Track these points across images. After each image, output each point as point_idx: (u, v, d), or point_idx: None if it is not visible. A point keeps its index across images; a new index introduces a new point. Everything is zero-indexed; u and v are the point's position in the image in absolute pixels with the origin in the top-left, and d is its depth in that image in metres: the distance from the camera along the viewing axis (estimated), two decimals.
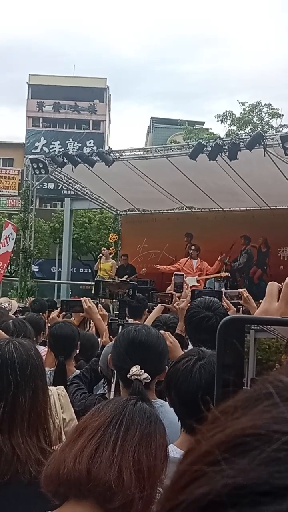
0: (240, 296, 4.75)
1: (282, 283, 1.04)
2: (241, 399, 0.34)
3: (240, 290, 5.01)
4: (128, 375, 2.26)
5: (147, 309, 5.78)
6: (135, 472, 1.18)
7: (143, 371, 2.26)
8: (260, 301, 1.08)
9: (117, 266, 14.87)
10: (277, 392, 0.32)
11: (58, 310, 4.74)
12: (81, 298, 4.44)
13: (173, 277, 5.43)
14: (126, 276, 13.57)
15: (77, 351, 3.96)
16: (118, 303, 3.99)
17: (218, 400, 0.60)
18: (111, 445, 1.21)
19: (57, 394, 2.70)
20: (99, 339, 4.70)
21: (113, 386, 2.99)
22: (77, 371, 3.90)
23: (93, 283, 4.73)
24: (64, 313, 4.65)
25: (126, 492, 1.15)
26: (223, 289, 5.97)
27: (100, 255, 14.97)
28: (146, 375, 2.26)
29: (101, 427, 1.24)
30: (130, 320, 4.70)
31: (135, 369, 2.26)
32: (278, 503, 0.27)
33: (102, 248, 15.88)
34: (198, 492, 0.30)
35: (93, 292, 4.43)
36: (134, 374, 2.25)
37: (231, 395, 0.35)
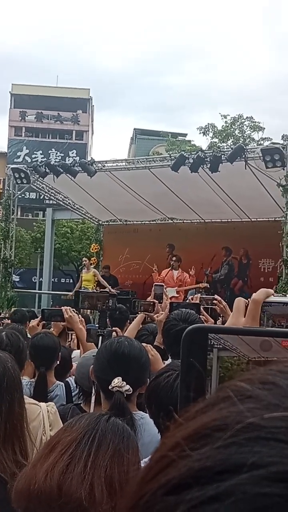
0: (214, 301, 4.73)
1: (249, 299, 1.06)
2: (203, 403, 0.38)
3: (216, 296, 4.99)
4: (109, 387, 2.25)
5: (128, 320, 5.78)
6: (107, 488, 1.17)
7: (125, 382, 2.25)
8: None
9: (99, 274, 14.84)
10: (235, 395, 0.36)
11: (38, 319, 4.68)
12: (62, 308, 4.42)
13: (153, 287, 5.44)
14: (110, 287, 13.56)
15: (58, 362, 3.93)
16: (98, 313, 3.98)
17: (182, 406, 0.62)
18: (83, 461, 1.19)
19: (46, 411, 2.65)
20: (78, 351, 4.68)
21: (93, 397, 2.98)
22: (58, 382, 3.88)
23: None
24: (44, 322, 4.60)
25: (98, 509, 1.14)
26: (198, 295, 5.96)
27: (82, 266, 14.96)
28: (128, 387, 2.25)
29: (73, 443, 1.22)
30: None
31: (117, 381, 2.25)
32: (232, 478, 0.32)
33: (84, 259, 15.84)
34: (167, 477, 0.34)
35: (73, 303, 4.40)
36: (116, 386, 2.24)
37: (194, 401, 0.39)
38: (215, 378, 0.70)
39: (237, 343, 0.69)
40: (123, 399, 2.24)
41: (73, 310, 4.35)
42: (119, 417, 1.38)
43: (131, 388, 2.27)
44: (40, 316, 4.67)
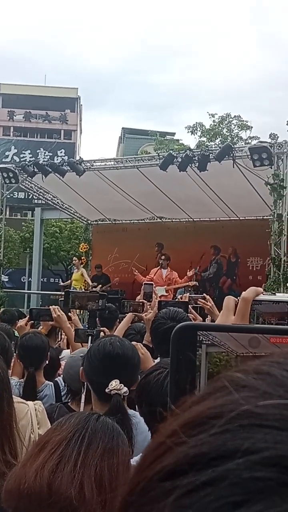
0: (200, 301, 4.73)
1: (239, 298, 1.06)
2: (199, 394, 0.39)
3: (204, 295, 5.00)
4: (107, 390, 2.23)
5: (118, 320, 5.78)
6: (97, 487, 1.18)
7: (122, 385, 2.24)
8: None
9: (88, 276, 14.83)
10: (230, 385, 0.37)
11: (26, 318, 4.65)
12: (50, 307, 4.40)
13: (142, 286, 5.44)
14: (100, 286, 13.55)
15: (47, 361, 3.93)
16: (88, 313, 3.98)
17: (172, 403, 0.62)
18: (73, 460, 1.19)
19: (34, 409, 2.64)
20: (68, 351, 4.67)
21: (83, 397, 2.97)
22: (47, 382, 3.87)
23: (63, 293, 4.69)
24: (32, 321, 4.58)
25: (88, 508, 1.14)
26: (187, 294, 5.98)
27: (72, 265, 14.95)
28: (125, 389, 2.24)
29: (63, 442, 1.22)
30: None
31: (114, 384, 2.23)
32: (225, 463, 0.33)
33: (74, 258, 15.81)
34: (163, 464, 0.35)
35: (63, 303, 4.38)
36: (114, 389, 2.23)
37: (184, 399, 0.40)
38: (204, 373, 0.71)
39: (226, 339, 0.69)
40: (121, 401, 2.23)
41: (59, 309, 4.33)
42: (118, 419, 1.38)
43: (128, 390, 2.26)
44: (28, 316, 4.64)
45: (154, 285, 5.64)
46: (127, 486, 0.38)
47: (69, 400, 3.28)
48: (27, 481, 1.16)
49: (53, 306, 4.38)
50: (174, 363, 0.67)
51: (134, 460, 1.68)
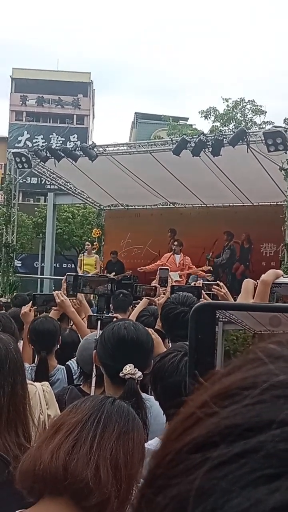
0: (214, 288, 4.70)
1: (258, 280, 1.05)
2: (229, 366, 0.38)
3: (219, 282, 4.98)
4: (121, 374, 2.23)
5: (132, 305, 5.78)
6: (112, 470, 1.18)
7: (137, 369, 2.24)
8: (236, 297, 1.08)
9: (100, 262, 14.85)
10: (264, 356, 0.36)
11: (29, 304, 4.63)
12: (54, 292, 4.39)
13: (158, 271, 5.42)
14: (113, 273, 13.58)
15: (58, 345, 3.94)
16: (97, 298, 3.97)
17: (191, 383, 0.61)
18: (88, 442, 1.19)
19: (42, 390, 2.66)
20: None
21: (93, 380, 2.98)
22: (59, 366, 3.88)
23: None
24: (35, 307, 4.55)
25: (103, 490, 1.15)
26: (200, 280, 5.96)
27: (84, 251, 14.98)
28: (139, 373, 2.24)
29: (78, 424, 1.23)
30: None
31: (129, 368, 2.23)
32: (260, 435, 0.31)
33: (86, 243, 15.84)
34: (192, 436, 0.34)
35: (72, 287, 4.35)
36: (129, 373, 2.23)
37: (203, 378, 0.38)
38: (221, 351, 0.70)
39: (243, 317, 0.68)
40: (136, 386, 2.23)
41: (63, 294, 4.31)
42: (133, 403, 1.38)
43: (142, 374, 2.26)
44: (32, 302, 4.61)
45: (169, 270, 5.61)
46: (154, 459, 0.36)
47: (81, 383, 3.29)
48: (43, 462, 1.16)
49: (56, 292, 4.37)
50: (193, 342, 0.66)
51: (149, 444, 1.68)
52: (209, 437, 0.33)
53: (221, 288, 4.58)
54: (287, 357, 0.35)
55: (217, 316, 0.68)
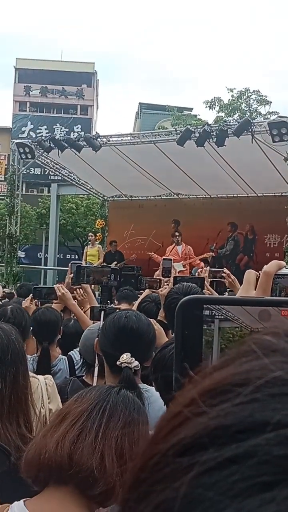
0: (223, 274, 4.72)
1: (260, 271, 1.03)
2: (222, 359, 0.35)
3: (224, 269, 4.98)
4: (118, 362, 2.23)
5: (136, 300, 5.78)
6: (117, 459, 1.18)
7: (133, 359, 2.23)
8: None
9: (103, 252, 14.85)
10: (259, 348, 0.33)
11: (30, 297, 4.65)
12: (54, 286, 4.42)
13: (161, 261, 5.42)
14: (115, 262, 13.56)
15: (60, 336, 3.94)
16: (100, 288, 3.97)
17: (178, 377, 0.60)
18: (93, 432, 1.19)
19: (44, 383, 2.66)
20: None
21: (96, 370, 2.98)
22: (61, 356, 3.89)
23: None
24: (36, 300, 4.56)
25: (108, 479, 1.15)
26: (207, 268, 5.94)
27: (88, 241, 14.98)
28: (136, 363, 2.24)
29: (84, 413, 1.22)
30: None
31: (125, 357, 2.23)
32: (253, 438, 0.28)
33: (89, 234, 15.84)
34: (179, 437, 0.31)
35: (75, 278, 4.38)
36: (125, 362, 2.23)
37: (190, 374, 0.36)
38: (217, 349, 0.67)
39: (240, 313, 0.66)
40: (131, 375, 2.23)
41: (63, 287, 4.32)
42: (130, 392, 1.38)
43: (139, 364, 2.26)
44: (32, 295, 4.62)
45: (172, 261, 5.60)
46: (139, 460, 0.33)
47: (84, 374, 3.30)
48: (48, 451, 1.16)
49: (57, 285, 4.40)
50: (179, 339, 0.63)
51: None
52: (197, 439, 0.30)
53: (228, 276, 4.61)
54: (283, 351, 0.32)
55: (212, 313, 0.65)
